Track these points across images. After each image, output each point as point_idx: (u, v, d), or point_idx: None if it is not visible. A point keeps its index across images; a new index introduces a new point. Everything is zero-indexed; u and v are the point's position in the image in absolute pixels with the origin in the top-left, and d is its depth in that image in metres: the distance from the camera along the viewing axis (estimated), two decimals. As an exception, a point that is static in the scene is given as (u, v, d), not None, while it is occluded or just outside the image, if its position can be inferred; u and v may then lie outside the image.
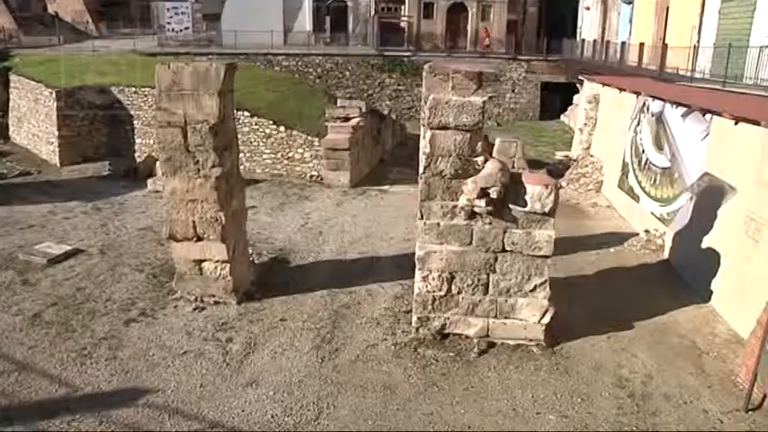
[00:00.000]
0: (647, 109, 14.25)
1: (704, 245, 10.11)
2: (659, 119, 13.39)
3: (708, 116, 10.95)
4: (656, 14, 26.33)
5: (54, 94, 19.77)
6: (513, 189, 7.68)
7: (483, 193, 7.49)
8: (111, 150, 20.55)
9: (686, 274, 10.72)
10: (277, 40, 35.67)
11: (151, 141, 19.24)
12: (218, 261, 9.51)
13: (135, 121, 20.66)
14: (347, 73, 33.44)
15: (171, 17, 39.18)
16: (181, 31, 39.06)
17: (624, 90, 16.20)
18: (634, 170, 14.52)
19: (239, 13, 37.22)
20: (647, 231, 12.63)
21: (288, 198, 15.93)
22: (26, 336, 8.57)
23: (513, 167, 14.89)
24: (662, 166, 12.90)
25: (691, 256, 10.63)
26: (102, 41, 38.52)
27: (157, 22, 39.93)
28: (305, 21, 39.82)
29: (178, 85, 9.05)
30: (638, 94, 15.08)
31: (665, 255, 11.86)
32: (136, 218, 14.24)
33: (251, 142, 18.32)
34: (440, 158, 7.65)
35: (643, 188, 13.78)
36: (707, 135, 10.96)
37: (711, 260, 9.73)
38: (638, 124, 14.69)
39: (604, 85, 18.32)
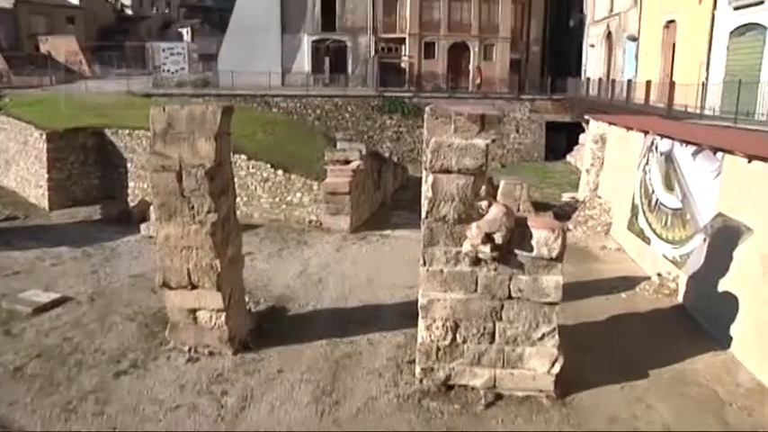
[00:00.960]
0: (656, 148, 14.41)
1: (721, 288, 10.08)
2: (668, 158, 13.52)
3: (719, 154, 11.04)
4: (663, 51, 26.85)
5: (44, 136, 19.93)
6: (518, 234, 7.72)
7: (487, 238, 7.54)
8: (103, 194, 20.73)
9: (703, 319, 10.66)
10: (275, 81, 36.46)
11: (145, 185, 19.42)
12: (213, 310, 9.48)
13: (128, 164, 20.88)
14: (347, 114, 34.03)
15: (166, 58, 40.08)
16: (176, 71, 39.87)
17: (631, 129, 16.41)
18: (644, 211, 14.59)
19: (236, 53, 38.10)
20: (659, 275, 12.60)
21: (286, 244, 15.97)
22: (6, 391, 8.44)
23: (519, 210, 15.03)
24: (673, 206, 12.97)
25: (707, 301, 10.59)
26: (96, 82, 39.25)
27: (153, 63, 40.83)
28: (303, 61, 40.79)
29: (173, 129, 9.19)
30: (645, 132, 15.26)
31: (680, 299, 11.80)
32: (128, 264, 14.25)
33: (248, 186, 18.49)
34: (442, 203, 7.72)
35: (654, 230, 13.82)
36: (719, 174, 11.03)
37: (729, 304, 9.69)
38: (647, 164, 14.83)
39: (611, 124, 18.56)
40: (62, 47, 48.90)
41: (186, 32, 70.00)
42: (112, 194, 20.66)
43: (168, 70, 39.71)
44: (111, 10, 74.00)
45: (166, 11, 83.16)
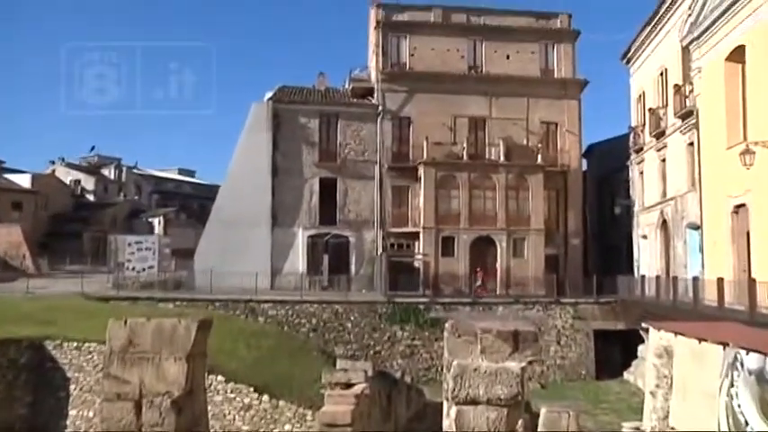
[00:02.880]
0: (742, 365, 14.17)
1: None
2: (762, 378, 13.20)
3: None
4: (734, 241, 27.28)
5: (-39, 351, 19.90)
6: (570, 483, 7.45)
7: (530, 489, 7.26)
8: (31, 426, 20.20)
9: None
10: (263, 284, 37.07)
11: (91, 413, 19.09)
12: None
13: (71, 386, 20.68)
14: (349, 325, 34.30)
15: (132, 253, 40.64)
16: (143, 270, 40.39)
17: (705, 340, 16.29)
18: (737, 449, 14.00)
19: (217, 249, 39.31)
20: None
21: (268, 493, 15.32)
22: None
23: (569, 448, 14.49)
24: (781, 443, 12.45)
25: None
26: (42, 281, 40.00)
27: (115, 259, 41.35)
28: (297, 260, 41.90)
29: (135, 346, 9.24)
30: (724, 345, 15.12)
31: None
32: None
33: (224, 415, 18.22)
34: (470, 442, 7.55)
35: (756, 476, 13.15)
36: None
37: None
38: (732, 386, 14.51)
39: (677, 333, 18.48)
40: (2, 237, 50.05)
41: (158, 223, 72.91)
42: (45, 427, 20.15)
43: (134, 268, 40.25)
44: (68, 195, 77.06)
45: (136, 197, 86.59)
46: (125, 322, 9.49)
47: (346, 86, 48.53)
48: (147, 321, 9.58)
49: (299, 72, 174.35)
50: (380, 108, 44.30)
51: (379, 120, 44.33)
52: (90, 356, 20.55)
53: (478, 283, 39.10)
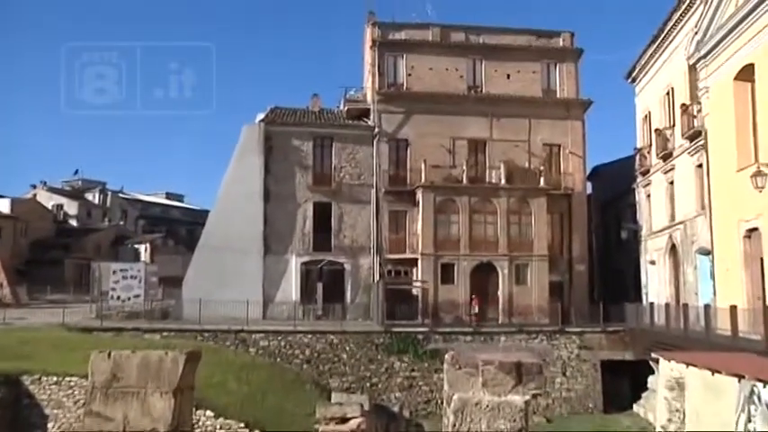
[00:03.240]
0: (759, 398, 14.07)
1: None
2: (781, 412, 13.13)
3: None
4: (747, 267, 27.16)
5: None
6: None
7: None
8: (5, 463, 20.02)
9: None
10: (254, 314, 36.91)
11: (72, 451, 18.89)
12: None
13: (50, 424, 20.46)
14: (344, 356, 34.13)
15: (117, 282, 40.44)
16: (129, 299, 40.25)
17: (718, 371, 16.18)
18: (757, 488, 13.86)
19: (207, 277, 39.17)
20: None
21: None
22: None
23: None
24: (800, 483, 12.34)
25: None
26: (20, 311, 39.82)
27: (98, 288, 41.12)
28: (290, 288, 41.74)
29: (119, 381, 9.14)
30: (740, 377, 15.01)
31: None
32: None
33: (212, 453, 18.07)
34: (472, 481, 7.47)
35: None
36: None
37: None
38: (750, 421, 14.40)
39: (689, 364, 18.37)
40: (-22, 264, 49.84)
41: (144, 250, 72.81)
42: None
43: (118, 297, 40.03)
44: (50, 220, 76.89)
45: (121, 222, 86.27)
46: (109, 355, 9.39)
47: (341, 107, 48.63)
48: (133, 354, 9.48)
49: (291, 93, 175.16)
50: (377, 130, 44.36)
51: (375, 142, 44.35)
52: (70, 392, 20.33)
53: (475, 310, 38.92)
